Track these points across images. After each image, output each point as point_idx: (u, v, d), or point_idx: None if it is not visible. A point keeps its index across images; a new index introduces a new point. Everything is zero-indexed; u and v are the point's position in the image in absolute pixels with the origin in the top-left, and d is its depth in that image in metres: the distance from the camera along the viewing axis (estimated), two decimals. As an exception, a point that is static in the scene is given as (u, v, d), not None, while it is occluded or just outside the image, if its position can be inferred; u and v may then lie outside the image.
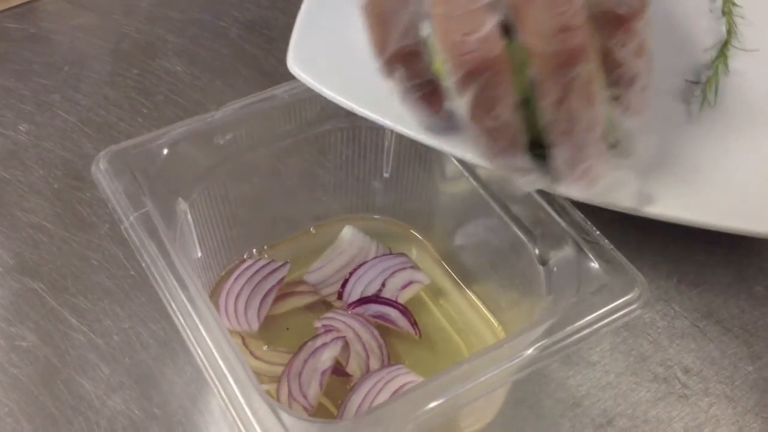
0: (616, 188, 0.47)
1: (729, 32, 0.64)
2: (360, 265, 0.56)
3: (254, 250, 0.59)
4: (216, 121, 0.52)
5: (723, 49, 0.63)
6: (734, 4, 0.66)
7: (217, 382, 0.39)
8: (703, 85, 0.60)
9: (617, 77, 0.42)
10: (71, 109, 0.72)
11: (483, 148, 0.44)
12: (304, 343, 0.51)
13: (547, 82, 0.40)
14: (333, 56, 0.54)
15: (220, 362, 0.40)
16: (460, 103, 0.41)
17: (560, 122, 0.41)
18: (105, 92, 0.74)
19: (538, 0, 0.37)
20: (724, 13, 0.66)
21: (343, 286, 0.56)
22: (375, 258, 0.57)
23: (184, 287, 0.43)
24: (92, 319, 0.57)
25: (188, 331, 0.41)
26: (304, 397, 0.49)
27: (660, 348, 0.56)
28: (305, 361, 0.51)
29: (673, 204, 0.51)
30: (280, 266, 0.56)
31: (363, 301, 0.55)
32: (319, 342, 0.51)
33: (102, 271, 0.60)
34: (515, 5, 0.38)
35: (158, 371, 0.54)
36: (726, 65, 0.62)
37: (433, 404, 0.39)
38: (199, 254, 0.54)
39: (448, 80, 0.40)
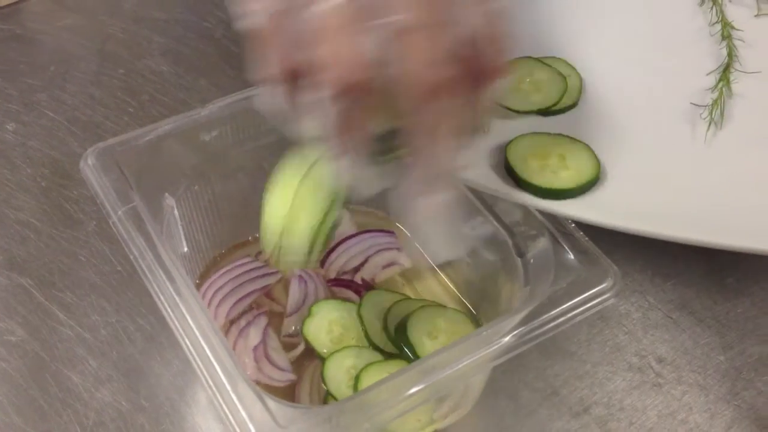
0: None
1: (730, 55, 0.66)
2: (349, 237, 0.58)
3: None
4: (202, 119, 0.53)
5: (725, 71, 0.64)
6: (734, 28, 0.68)
7: (204, 371, 0.41)
8: (710, 108, 0.61)
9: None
10: (58, 108, 0.73)
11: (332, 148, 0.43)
12: (230, 326, 0.54)
13: (413, 110, 0.40)
14: None
15: (207, 351, 0.41)
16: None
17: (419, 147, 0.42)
18: (91, 92, 0.75)
19: (414, 36, 0.38)
20: (723, 36, 0.67)
21: (329, 253, 0.58)
22: (365, 232, 0.59)
23: (171, 279, 0.44)
24: (80, 314, 0.58)
25: (175, 322, 0.43)
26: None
27: (635, 338, 0.58)
28: (236, 342, 0.53)
29: (682, 224, 0.52)
30: (271, 273, 0.57)
31: (339, 283, 0.57)
32: (243, 322, 0.54)
33: (89, 267, 0.61)
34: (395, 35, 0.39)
35: (145, 364, 0.55)
36: (729, 87, 0.63)
37: (414, 389, 0.40)
38: (185, 249, 0.55)
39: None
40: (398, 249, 0.59)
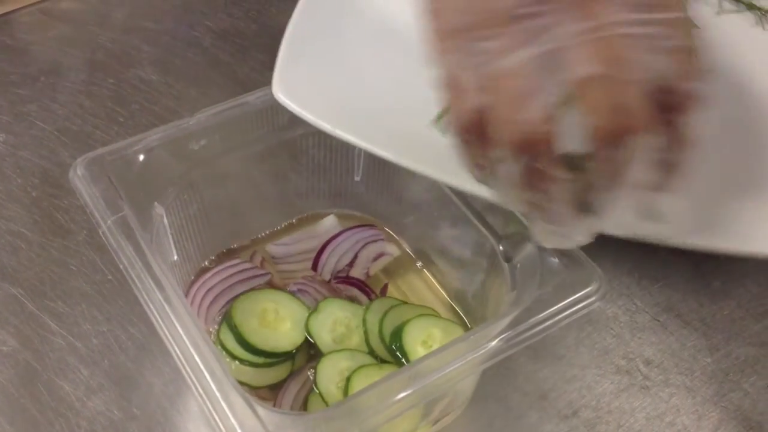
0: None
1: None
2: (335, 236, 0.59)
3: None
4: (191, 127, 0.53)
5: None
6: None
7: (193, 378, 0.41)
8: None
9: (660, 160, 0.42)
10: (48, 118, 0.73)
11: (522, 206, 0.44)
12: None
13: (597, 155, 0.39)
14: (317, 83, 0.55)
15: (197, 359, 0.41)
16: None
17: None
18: (81, 102, 0.75)
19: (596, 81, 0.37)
20: None
21: (319, 256, 0.59)
22: (348, 230, 0.60)
23: (160, 287, 0.44)
24: (71, 323, 0.58)
25: (165, 330, 0.43)
26: None
27: (622, 341, 0.58)
28: None
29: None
30: (261, 274, 0.58)
31: (341, 280, 0.58)
32: None
33: (80, 276, 0.61)
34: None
35: (137, 373, 0.55)
36: None
37: (403, 394, 0.41)
38: (175, 257, 0.55)
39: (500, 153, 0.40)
40: (384, 240, 0.60)
